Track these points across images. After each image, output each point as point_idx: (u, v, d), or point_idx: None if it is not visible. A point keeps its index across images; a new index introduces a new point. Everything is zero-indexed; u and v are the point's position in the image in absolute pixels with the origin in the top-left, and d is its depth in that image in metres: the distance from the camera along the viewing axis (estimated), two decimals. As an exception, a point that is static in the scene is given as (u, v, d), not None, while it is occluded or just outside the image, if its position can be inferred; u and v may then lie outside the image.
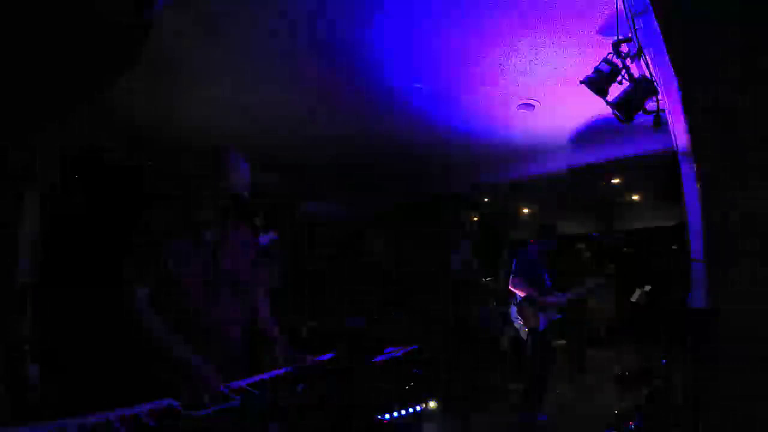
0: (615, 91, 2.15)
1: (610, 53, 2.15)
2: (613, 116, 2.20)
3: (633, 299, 4.49)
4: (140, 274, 1.50)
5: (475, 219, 6.96)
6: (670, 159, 2.15)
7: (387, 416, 3.93)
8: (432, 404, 4.25)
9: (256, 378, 1.43)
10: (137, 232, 1.55)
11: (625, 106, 2.09)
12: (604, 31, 2.47)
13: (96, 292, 3.21)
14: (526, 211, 8.16)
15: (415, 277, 6.31)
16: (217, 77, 3.12)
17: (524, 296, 3.96)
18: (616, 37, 2.12)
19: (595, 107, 2.51)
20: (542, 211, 7.68)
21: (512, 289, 4.05)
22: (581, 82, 2.19)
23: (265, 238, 4.26)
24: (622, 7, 1.93)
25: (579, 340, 5.62)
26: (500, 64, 2.96)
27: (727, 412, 0.97)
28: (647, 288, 4.43)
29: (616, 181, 5.91)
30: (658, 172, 4.49)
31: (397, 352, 1.60)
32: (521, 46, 2.72)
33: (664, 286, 4.19)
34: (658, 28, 1.25)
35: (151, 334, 1.44)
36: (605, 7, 2.09)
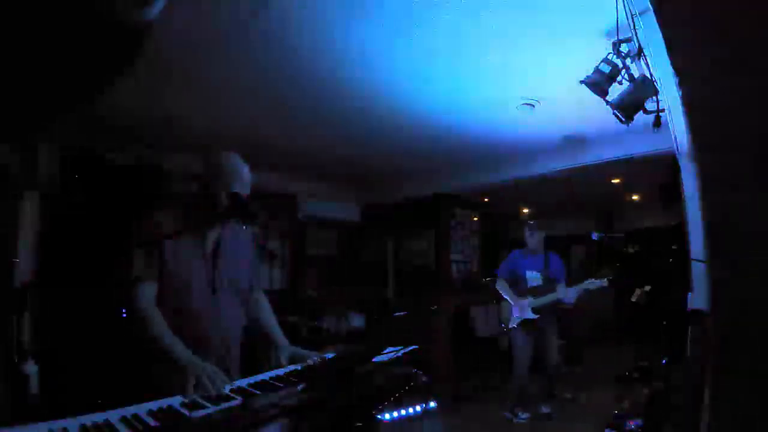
0: (615, 91, 2.15)
1: (610, 53, 2.15)
2: (613, 116, 2.20)
3: (633, 299, 4.50)
4: (146, 270, 1.50)
5: (475, 219, 6.96)
6: (670, 159, 2.15)
7: (387, 416, 3.93)
8: (432, 404, 4.26)
9: (256, 378, 1.44)
10: (139, 231, 1.56)
11: (625, 106, 2.09)
12: (604, 31, 2.47)
13: (96, 292, 3.21)
14: (526, 211, 8.16)
15: (415, 277, 6.32)
16: (217, 77, 3.12)
17: (504, 296, 4.13)
18: (616, 37, 2.12)
19: (595, 107, 2.51)
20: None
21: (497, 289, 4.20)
22: (581, 82, 2.19)
23: (264, 238, 4.27)
24: (623, 6, 1.93)
25: (578, 340, 5.64)
26: (500, 64, 2.96)
27: (727, 413, 0.97)
28: (647, 288, 4.43)
29: (616, 181, 5.91)
30: (658, 172, 4.49)
31: (397, 352, 1.60)
32: (521, 46, 2.72)
33: (664, 286, 4.20)
34: (658, 28, 1.25)
35: (152, 333, 1.44)
36: (605, 6, 2.09)
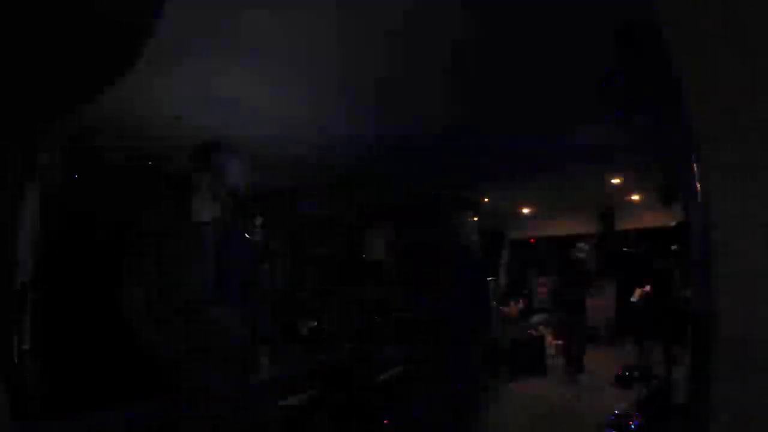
0: (615, 91, 2.15)
1: (611, 53, 2.15)
2: (613, 116, 2.20)
3: (633, 299, 4.51)
4: (139, 275, 1.50)
5: (475, 219, 6.95)
6: (670, 159, 2.15)
7: (386, 416, 3.93)
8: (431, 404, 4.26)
9: (259, 378, 1.44)
10: (137, 232, 1.56)
11: (626, 107, 2.10)
12: (604, 31, 2.47)
13: (96, 292, 3.20)
14: (526, 211, 8.16)
15: (415, 276, 6.31)
16: (218, 76, 3.12)
17: None
18: (616, 38, 2.13)
19: (594, 107, 2.52)
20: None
21: None
22: (581, 83, 2.19)
23: (263, 237, 4.26)
24: (623, 7, 1.93)
25: (578, 340, 5.63)
26: (500, 64, 2.96)
27: (727, 413, 0.98)
28: (647, 288, 4.45)
29: (616, 181, 5.91)
30: (658, 172, 4.50)
31: (397, 352, 1.61)
32: (521, 45, 2.72)
33: (664, 286, 4.20)
34: (658, 29, 1.25)
35: (143, 335, 1.44)
36: (606, 7, 2.09)
